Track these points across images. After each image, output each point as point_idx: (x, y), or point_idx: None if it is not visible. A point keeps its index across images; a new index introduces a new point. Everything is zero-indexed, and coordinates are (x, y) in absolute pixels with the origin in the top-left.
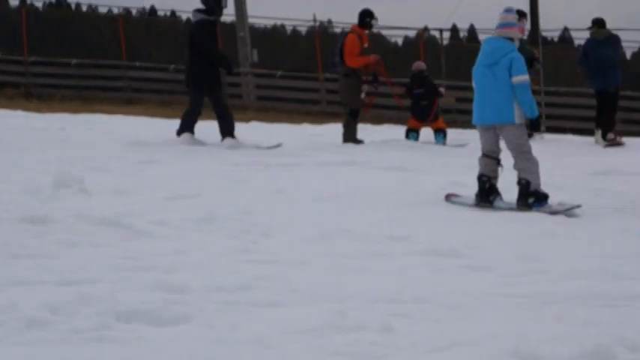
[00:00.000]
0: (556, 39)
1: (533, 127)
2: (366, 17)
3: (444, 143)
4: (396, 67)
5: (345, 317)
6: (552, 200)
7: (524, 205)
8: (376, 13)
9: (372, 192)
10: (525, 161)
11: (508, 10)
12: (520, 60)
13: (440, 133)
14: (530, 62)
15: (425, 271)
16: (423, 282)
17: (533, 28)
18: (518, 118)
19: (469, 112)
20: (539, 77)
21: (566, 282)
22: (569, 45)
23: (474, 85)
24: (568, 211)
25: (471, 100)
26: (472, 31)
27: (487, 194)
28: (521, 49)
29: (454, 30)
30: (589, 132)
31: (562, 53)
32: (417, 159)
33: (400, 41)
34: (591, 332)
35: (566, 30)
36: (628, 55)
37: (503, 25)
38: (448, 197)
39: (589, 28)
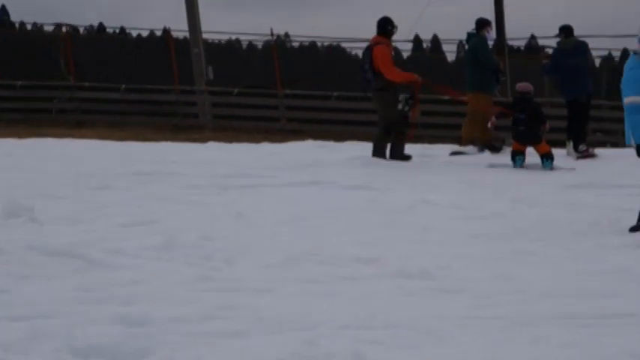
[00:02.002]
0: (523, 48)
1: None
2: (388, 25)
3: (551, 168)
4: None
5: (314, 346)
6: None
7: None
8: (335, 25)
9: (338, 212)
10: None
11: None
12: None
13: (547, 159)
14: (496, 74)
15: (395, 294)
16: (394, 306)
17: (498, 37)
18: None
19: (436, 126)
20: (505, 89)
21: (542, 302)
22: (536, 54)
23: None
24: None
25: (438, 114)
26: (435, 41)
27: None
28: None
29: (417, 41)
30: (560, 143)
31: (529, 62)
32: (382, 177)
33: (360, 53)
34: (568, 354)
35: (532, 38)
36: (597, 62)
37: None
38: None
39: (557, 36)
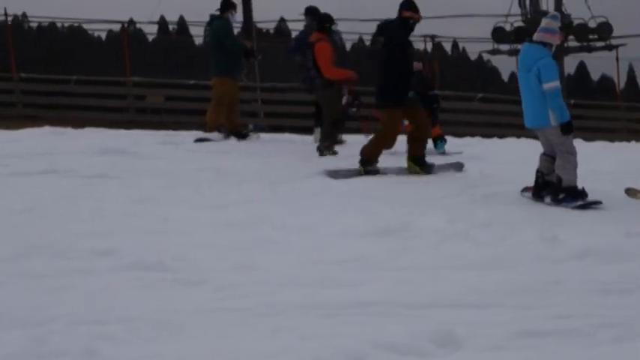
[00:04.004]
0: (272, 31)
1: (564, 130)
2: (326, 22)
3: (444, 151)
4: (99, 64)
5: (44, 343)
6: None
7: (555, 200)
8: (75, 5)
9: (75, 201)
10: (560, 159)
11: (554, 17)
12: (549, 66)
13: (442, 141)
14: (246, 56)
15: (132, 287)
16: (130, 299)
17: (246, 19)
18: (553, 121)
19: (178, 112)
20: (254, 73)
21: (284, 292)
22: (286, 37)
23: (520, 89)
24: (593, 206)
25: (181, 99)
26: (182, 23)
27: (540, 189)
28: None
29: (162, 23)
30: (309, 130)
31: (279, 45)
32: (124, 165)
33: (104, 35)
34: (310, 345)
35: (282, 21)
36: (348, 47)
37: (543, 30)
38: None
39: (303, 19)
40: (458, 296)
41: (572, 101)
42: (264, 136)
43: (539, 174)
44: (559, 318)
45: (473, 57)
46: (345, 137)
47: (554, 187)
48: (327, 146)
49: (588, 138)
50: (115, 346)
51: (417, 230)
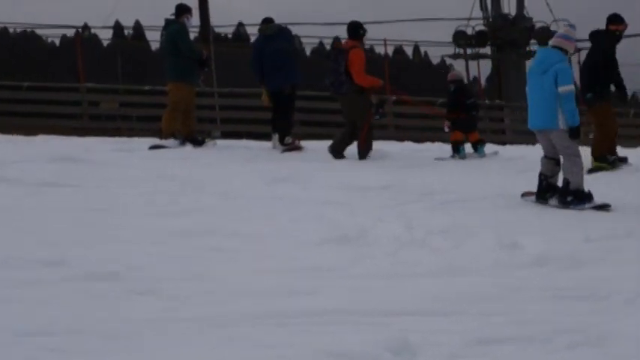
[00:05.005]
0: (230, 35)
1: (573, 134)
2: (360, 29)
3: (484, 154)
4: (55, 71)
5: None
6: None
7: (563, 202)
8: (28, 11)
9: (19, 209)
10: (567, 162)
11: (572, 26)
12: (566, 70)
13: (481, 145)
14: (200, 64)
15: (81, 298)
16: (78, 310)
17: (204, 24)
18: (562, 124)
19: (133, 119)
20: (210, 79)
21: (237, 301)
22: (245, 42)
23: (527, 91)
24: (602, 209)
25: (136, 105)
26: (138, 27)
27: (544, 191)
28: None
29: (118, 27)
30: (266, 136)
31: (237, 50)
32: (79, 173)
33: (57, 41)
34: (264, 354)
35: (240, 25)
36: (308, 51)
37: (561, 36)
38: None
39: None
40: (414, 304)
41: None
42: (220, 142)
43: (543, 177)
44: (516, 325)
45: (435, 61)
46: (304, 143)
47: (558, 189)
48: (339, 149)
49: None
50: (59, 358)
51: (373, 237)
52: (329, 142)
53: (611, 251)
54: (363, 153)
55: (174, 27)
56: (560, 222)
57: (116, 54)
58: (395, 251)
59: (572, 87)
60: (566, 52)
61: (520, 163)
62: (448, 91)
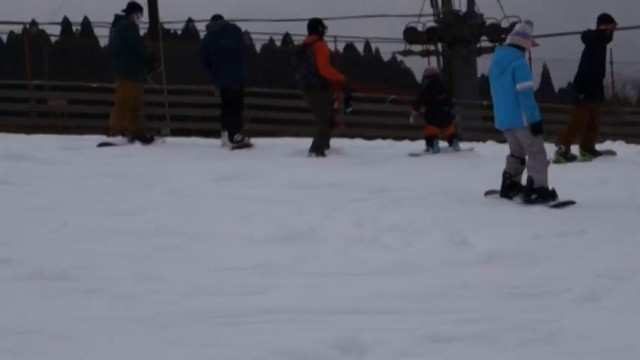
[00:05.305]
0: (180, 32)
1: (535, 130)
2: (319, 26)
3: (459, 148)
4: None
5: None
6: None
7: (527, 201)
8: None
9: None
10: (532, 160)
11: (529, 22)
12: (523, 67)
13: (456, 139)
14: (148, 65)
15: (27, 297)
16: (25, 310)
17: (153, 20)
18: (526, 121)
19: (81, 116)
20: (159, 76)
21: (185, 300)
22: (194, 38)
23: (491, 92)
24: (565, 206)
25: (84, 102)
26: (86, 24)
27: (508, 189)
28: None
29: (66, 23)
30: (215, 133)
31: (186, 47)
32: (25, 171)
33: (5, 37)
34: (212, 354)
35: (190, 21)
36: (258, 48)
37: (517, 34)
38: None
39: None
40: (363, 302)
41: (485, 102)
42: (169, 140)
43: (507, 175)
44: (465, 323)
45: (386, 58)
46: (254, 140)
47: (522, 188)
48: (321, 147)
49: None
50: (8, 358)
51: (322, 235)
52: (279, 140)
53: (561, 248)
54: (320, 148)
55: (125, 23)
56: (511, 219)
57: (64, 51)
58: (344, 249)
59: (529, 83)
60: (523, 49)
61: (474, 160)
62: (422, 85)
